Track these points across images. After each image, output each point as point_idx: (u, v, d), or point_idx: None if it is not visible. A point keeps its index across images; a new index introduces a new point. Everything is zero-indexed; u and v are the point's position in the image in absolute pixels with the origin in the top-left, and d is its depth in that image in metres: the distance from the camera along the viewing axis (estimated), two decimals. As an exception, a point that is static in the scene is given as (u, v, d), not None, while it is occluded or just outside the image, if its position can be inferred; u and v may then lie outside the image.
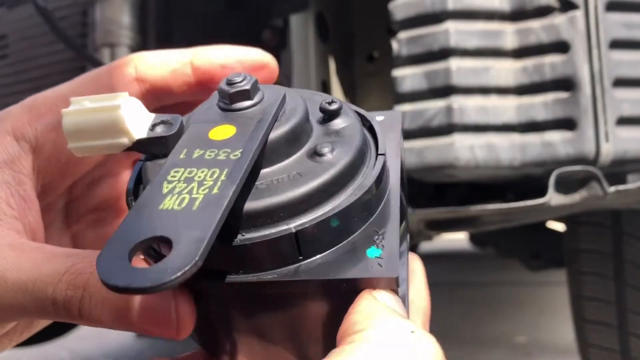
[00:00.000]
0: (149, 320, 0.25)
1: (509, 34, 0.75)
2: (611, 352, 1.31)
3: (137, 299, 0.24)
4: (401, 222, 0.27)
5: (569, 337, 1.73)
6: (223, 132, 0.27)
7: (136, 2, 0.99)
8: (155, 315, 0.24)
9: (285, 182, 0.26)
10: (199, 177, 0.24)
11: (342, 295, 0.24)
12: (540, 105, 0.73)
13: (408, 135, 0.76)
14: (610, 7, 0.73)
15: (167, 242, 0.21)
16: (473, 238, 2.27)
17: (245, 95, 0.28)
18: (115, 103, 0.26)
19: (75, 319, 0.25)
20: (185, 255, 0.21)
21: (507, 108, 0.74)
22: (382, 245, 0.26)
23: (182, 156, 0.25)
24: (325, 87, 0.99)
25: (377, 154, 0.29)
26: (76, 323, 0.26)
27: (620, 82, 0.72)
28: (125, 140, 0.27)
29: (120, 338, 2.30)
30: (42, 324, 0.34)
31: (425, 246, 4.31)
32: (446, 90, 0.74)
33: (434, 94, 0.75)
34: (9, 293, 0.26)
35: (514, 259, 1.96)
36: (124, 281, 0.20)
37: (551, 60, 0.73)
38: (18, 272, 0.26)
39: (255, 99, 0.28)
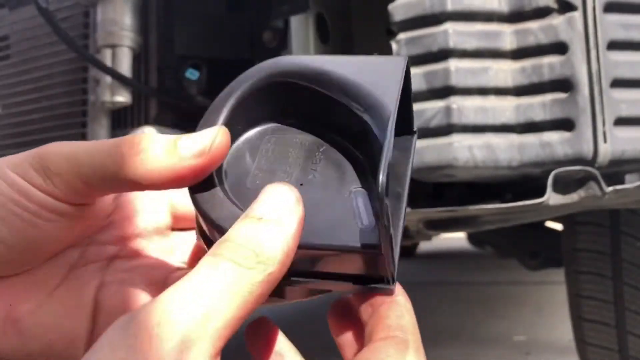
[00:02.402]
0: (191, 145, 0.30)
1: (507, 35, 0.75)
2: (609, 351, 1.31)
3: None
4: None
5: (567, 336, 1.73)
6: None
7: (137, 3, 0.99)
8: (194, 142, 0.31)
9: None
10: None
11: None
12: (538, 106, 0.73)
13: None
14: (608, 8, 0.73)
15: None
16: (472, 238, 2.28)
17: None
18: None
19: (134, 149, 0.30)
20: None
21: (506, 108, 0.75)
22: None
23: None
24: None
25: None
26: (127, 159, 0.30)
27: (618, 83, 0.73)
28: None
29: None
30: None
31: (424, 246, 4.31)
32: (445, 91, 0.74)
33: (433, 94, 0.75)
34: (91, 147, 0.31)
35: (512, 258, 1.96)
36: None
37: (549, 61, 0.73)
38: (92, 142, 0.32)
39: None
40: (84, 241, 0.37)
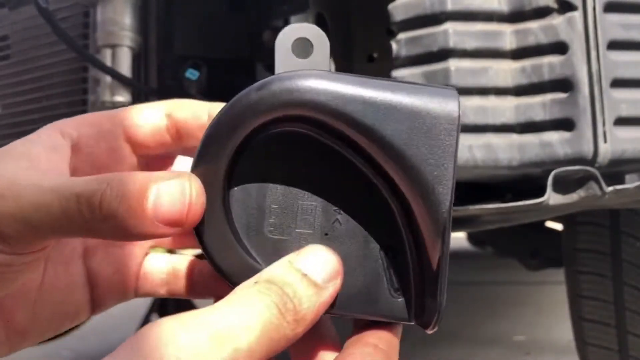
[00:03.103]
0: (163, 205, 0.27)
1: (507, 35, 0.75)
2: (609, 351, 1.31)
3: (152, 193, 0.27)
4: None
5: (567, 336, 1.73)
6: None
7: (137, 3, 0.99)
8: (169, 200, 0.27)
9: None
10: None
11: None
12: (538, 106, 0.73)
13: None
14: (609, 8, 0.73)
15: None
16: (471, 237, 2.28)
17: None
18: None
19: (95, 214, 0.27)
20: None
21: (506, 108, 0.75)
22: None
23: None
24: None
25: None
26: (92, 224, 0.27)
27: (618, 83, 0.73)
28: None
29: (121, 338, 2.30)
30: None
31: (424, 246, 4.31)
32: (445, 91, 0.74)
33: (433, 94, 0.75)
34: (41, 193, 0.27)
35: (512, 258, 1.96)
36: None
37: (549, 61, 0.73)
38: (54, 178, 0.29)
39: None
40: None
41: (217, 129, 0.29)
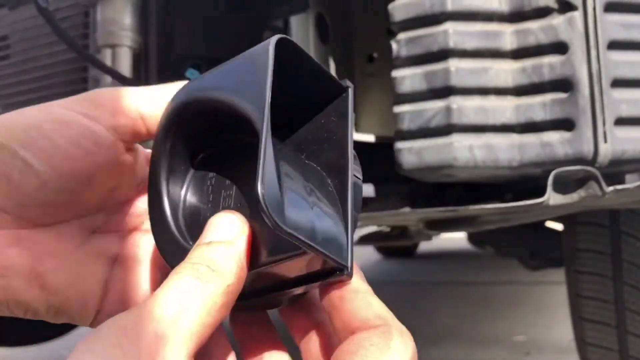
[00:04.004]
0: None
1: (507, 35, 0.75)
2: (609, 351, 1.31)
3: None
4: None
5: (567, 336, 1.73)
6: None
7: (137, 3, 0.99)
8: None
9: None
10: None
11: None
12: (538, 106, 0.73)
13: (408, 135, 0.77)
14: (609, 8, 0.73)
15: None
16: (472, 238, 2.28)
17: None
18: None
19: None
20: None
21: (506, 108, 0.75)
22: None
23: None
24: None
25: None
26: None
27: (618, 83, 0.73)
28: None
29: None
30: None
31: (425, 246, 4.31)
32: (445, 91, 0.74)
33: (433, 94, 0.75)
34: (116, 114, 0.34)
35: (512, 258, 1.96)
36: None
37: (550, 61, 0.73)
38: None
39: None
40: (112, 207, 0.38)
41: (159, 127, 0.35)
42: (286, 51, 0.31)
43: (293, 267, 0.31)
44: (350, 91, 0.34)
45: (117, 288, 0.37)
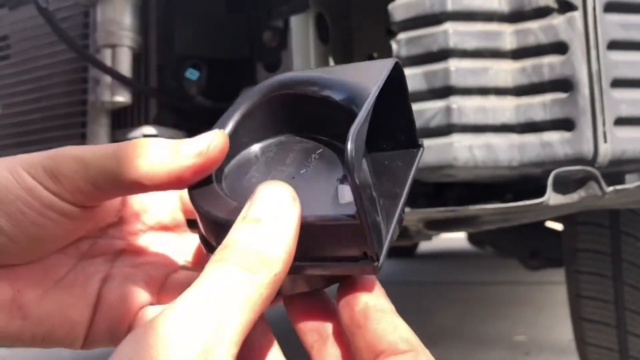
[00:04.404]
0: (190, 147, 0.32)
1: (507, 35, 0.75)
2: (609, 351, 1.31)
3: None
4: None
5: (567, 336, 1.74)
6: None
7: (137, 3, 0.99)
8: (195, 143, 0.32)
9: None
10: None
11: None
12: (538, 106, 0.73)
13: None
14: (609, 8, 0.73)
15: None
16: (472, 238, 2.28)
17: None
18: None
19: (136, 162, 0.32)
20: None
21: (506, 108, 0.75)
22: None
23: None
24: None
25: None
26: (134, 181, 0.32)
27: (618, 83, 0.73)
28: None
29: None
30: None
31: (424, 246, 4.32)
32: (445, 91, 0.74)
33: (433, 94, 0.75)
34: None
35: (512, 258, 1.96)
36: None
37: (550, 61, 0.73)
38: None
39: None
40: (95, 234, 0.38)
41: (224, 114, 0.36)
42: (395, 75, 0.34)
43: (331, 239, 0.30)
44: (422, 150, 0.37)
45: (106, 309, 0.37)
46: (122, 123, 1.04)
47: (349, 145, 0.26)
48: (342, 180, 0.32)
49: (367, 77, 0.33)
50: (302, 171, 0.34)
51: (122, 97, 0.98)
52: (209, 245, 0.33)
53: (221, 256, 0.27)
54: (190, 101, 1.01)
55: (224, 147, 0.33)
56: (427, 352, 0.29)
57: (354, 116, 0.30)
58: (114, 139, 1.02)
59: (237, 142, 0.35)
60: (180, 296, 0.26)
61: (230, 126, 0.35)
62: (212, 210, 0.31)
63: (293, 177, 0.33)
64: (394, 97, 0.35)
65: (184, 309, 0.25)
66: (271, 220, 0.28)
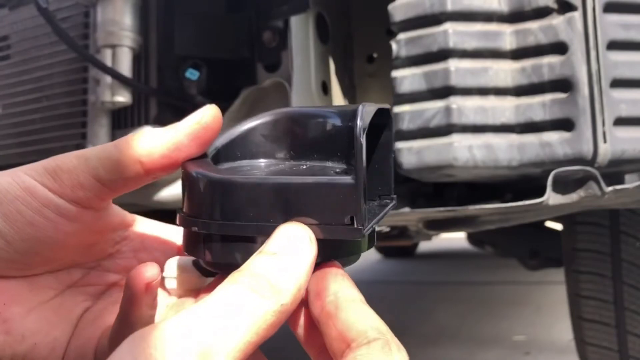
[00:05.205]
0: (185, 120, 0.33)
1: (507, 35, 0.76)
2: (609, 350, 1.31)
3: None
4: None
5: (567, 336, 1.74)
6: None
7: (137, 3, 0.99)
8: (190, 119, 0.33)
9: None
10: None
11: None
12: (538, 106, 0.73)
13: (407, 135, 0.77)
14: (608, 8, 0.73)
15: None
16: (472, 238, 2.28)
17: None
18: None
19: (136, 142, 0.33)
20: None
21: (506, 109, 0.75)
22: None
23: None
24: (325, 88, 1.00)
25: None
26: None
27: (618, 83, 0.73)
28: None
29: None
30: None
31: (424, 246, 4.32)
32: (445, 91, 0.74)
33: (433, 94, 0.76)
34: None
35: (512, 258, 1.97)
36: None
37: (549, 61, 0.73)
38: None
39: None
40: (89, 264, 0.38)
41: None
42: (386, 121, 0.37)
43: (322, 200, 0.31)
44: (394, 203, 0.39)
45: (82, 327, 0.37)
46: (122, 123, 1.04)
47: (360, 108, 0.30)
48: (336, 170, 0.34)
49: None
50: (299, 167, 0.35)
51: (123, 97, 0.98)
52: (188, 216, 0.33)
53: (234, 278, 0.28)
54: (190, 101, 1.01)
55: (218, 118, 0.34)
56: (396, 340, 0.29)
57: (347, 131, 0.33)
58: (114, 139, 1.02)
59: (234, 151, 0.36)
60: (187, 308, 0.27)
61: (231, 134, 0.36)
62: (205, 173, 0.32)
63: (287, 170, 0.35)
64: (383, 146, 0.37)
65: (188, 316, 0.26)
66: (287, 255, 0.29)
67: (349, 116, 0.34)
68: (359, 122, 0.30)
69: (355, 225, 0.30)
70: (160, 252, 0.41)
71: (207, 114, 0.34)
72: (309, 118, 0.36)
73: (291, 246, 0.29)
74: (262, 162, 0.37)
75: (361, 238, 0.31)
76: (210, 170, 0.33)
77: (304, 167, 0.35)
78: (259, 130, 0.37)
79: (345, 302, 0.30)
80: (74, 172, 0.32)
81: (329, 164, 0.35)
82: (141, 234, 0.40)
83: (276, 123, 0.37)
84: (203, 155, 0.35)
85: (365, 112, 0.32)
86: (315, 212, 0.31)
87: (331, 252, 0.32)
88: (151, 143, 0.33)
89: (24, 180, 0.32)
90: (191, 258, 0.36)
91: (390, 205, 0.38)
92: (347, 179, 0.30)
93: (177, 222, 0.34)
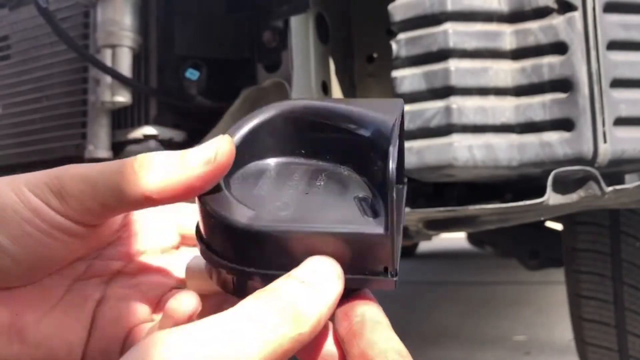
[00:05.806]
0: (197, 155, 0.32)
1: (507, 35, 0.76)
2: (609, 350, 1.31)
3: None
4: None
5: (567, 336, 1.74)
6: None
7: (137, 3, 0.99)
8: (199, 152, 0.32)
9: None
10: None
11: None
12: (538, 106, 0.73)
13: (407, 135, 0.77)
14: (608, 8, 0.73)
15: None
16: (472, 238, 2.28)
17: None
18: None
19: (144, 175, 0.31)
20: None
21: (506, 109, 0.75)
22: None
23: None
24: (325, 88, 1.00)
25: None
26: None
27: (618, 83, 0.73)
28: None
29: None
30: None
31: (424, 246, 4.31)
32: (445, 91, 0.74)
33: (433, 94, 0.75)
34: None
35: (512, 258, 1.96)
36: None
37: (549, 61, 0.73)
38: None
39: None
40: (91, 255, 0.38)
41: (230, 128, 0.36)
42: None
43: (355, 251, 0.31)
44: (405, 186, 0.40)
45: (100, 329, 0.37)
46: (122, 123, 1.04)
47: (391, 165, 0.28)
48: (361, 200, 0.32)
49: (383, 112, 0.35)
50: (314, 188, 0.34)
51: (122, 97, 0.98)
52: (213, 252, 0.33)
53: (259, 295, 0.28)
54: (190, 101, 1.01)
55: (232, 154, 0.32)
56: None
57: (373, 144, 0.33)
58: (114, 139, 1.02)
59: (242, 154, 0.35)
60: (203, 318, 0.27)
61: (238, 136, 0.35)
62: (230, 215, 0.31)
63: (307, 193, 0.34)
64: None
65: (200, 327, 0.26)
66: (314, 285, 0.29)
67: (374, 124, 0.34)
68: (391, 164, 0.29)
69: (389, 277, 0.31)
70: (159, 232, 0.41)
71: (221, 152, 0.32)
72: (327, 116, 0.36)
73: (320, 278, 0.29)
74: (272, 163, 0.36)
75: (395, 288, 0.31)
76: (231, 211, 0.31)
77: (320, 184, 0.34)
78: (268, 126, 0.36)
79: (372, 323, 0.30)
80: (80, 198, 0.32)
81: (344, 171, 0.35)
82: (139, 219, 0.40)
83: (286, 118, 0.36)
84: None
85: (394, 141, 0.30)
86: (345, 262, 0.30)
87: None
88: (162, 180, 0.31)
89: (30, 200, 0.31)
90: (202, 261, 0.36)
91: (404, 192, 0.38)
92: (379, 230, 0.30)
93: (201, 253, 0.34)
